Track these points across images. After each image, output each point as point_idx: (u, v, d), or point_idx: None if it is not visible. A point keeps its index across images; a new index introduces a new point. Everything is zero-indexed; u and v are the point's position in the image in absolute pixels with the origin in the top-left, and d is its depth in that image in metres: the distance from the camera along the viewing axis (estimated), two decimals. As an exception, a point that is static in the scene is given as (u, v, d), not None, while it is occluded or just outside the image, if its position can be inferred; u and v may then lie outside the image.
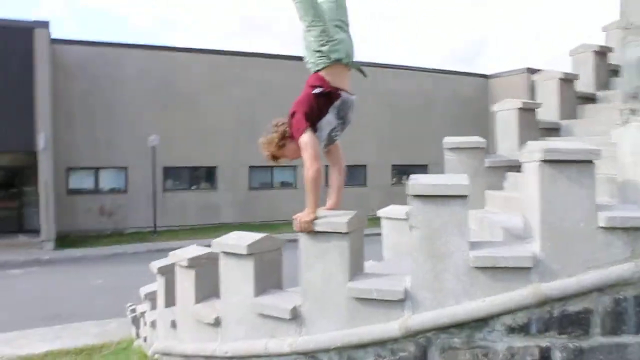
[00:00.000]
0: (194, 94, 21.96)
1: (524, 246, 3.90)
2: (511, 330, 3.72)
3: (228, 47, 27.00)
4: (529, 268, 3.74)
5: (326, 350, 3.91)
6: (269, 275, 4.47)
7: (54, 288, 12.82)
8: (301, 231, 3.94)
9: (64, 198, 19.50)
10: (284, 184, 24.42)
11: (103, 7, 71.37)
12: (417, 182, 3.82)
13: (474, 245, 3.86)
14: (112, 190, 21.25)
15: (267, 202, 23.54)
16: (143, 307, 7.08)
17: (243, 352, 4.27)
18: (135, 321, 7.50)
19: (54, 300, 11.54)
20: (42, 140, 16.90)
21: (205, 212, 22.40)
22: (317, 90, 3.90)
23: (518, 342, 3.66)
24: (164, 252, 17.22)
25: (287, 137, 4.01)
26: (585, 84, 7.88)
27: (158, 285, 5.69)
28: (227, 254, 4.43)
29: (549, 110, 7.49)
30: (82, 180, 20.72)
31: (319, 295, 4.03)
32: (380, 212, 7.01)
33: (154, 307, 6.19)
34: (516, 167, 6.79)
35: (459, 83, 28.25)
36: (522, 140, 7.01)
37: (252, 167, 23.27)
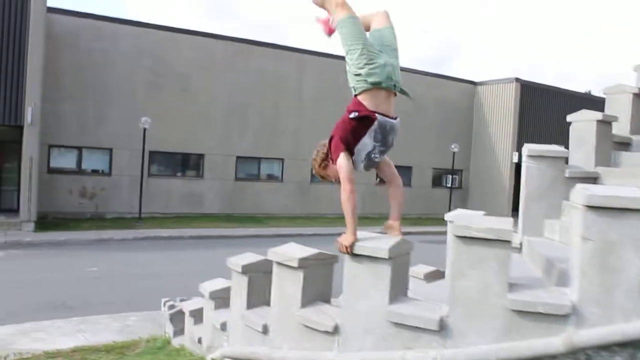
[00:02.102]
0: (186, 76, 21.23)
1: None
2: (679, 353, 3.51)
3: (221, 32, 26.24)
4: None
5: (478, 364, 3.59)
6: (401, 281, 4.09)
7: (45, 274, 12.01)
8: (345, 253, 3.97)
9: (44, 177, 18.43)
10: (271, 177, 23.90)
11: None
12: (594, 193, 3.55)
13: (647, 261, 3.59)
14: (95, 172, 20.27)
15: (252, 194, 23.01)
16: (191, 304, 6.55)
17: (371, 364, 3.88)
18: (175, 318, 6.94)
19: (51, 287, 10.78)
20: (29, 114, 15.88)
21: (189, 200, 21.68)
22: (352, 115, 3.94)
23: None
24: (151, 240, 16.90)
25: (329, 159, 4.13)
26: None
27: (236, 284, 5.19)
28: (356, 256, 4.00)
29: (619, 124, 7.38)
30: (64, 159, 19.69)
31: (472, 305, 3.70)
32: (447, 217, 6.74)
33: (219, 306, 5.68)
34: (592, 179, 6.65)
35: (446, 88, 28.32)
36: (598, 152, 6.90)
37: (239, 158, 22.69)
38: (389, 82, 3.96)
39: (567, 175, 6.39)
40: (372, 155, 4.06)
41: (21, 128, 16.55)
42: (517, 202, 25.93)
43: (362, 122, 3.94)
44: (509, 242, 3.63)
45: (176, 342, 6.89)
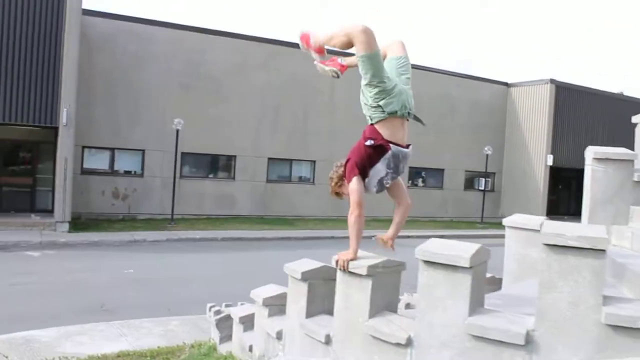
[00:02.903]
0: (219, 78, 21.18)
1: None
2: None
3: (256, 33, 25.99)
4: None
5: (570, 383, 3.35)
6: (479, 292, 3.84)
7: (82, 275, 11.98)
8: (342, 269, 4.22)
9: (78, 178, 18.50)
10: (302, 179, 23.74)
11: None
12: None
13: None
14: (127, 173, 20.34)
15: (284, 195, 22.88)
16: (240, 310, 6.36)
17: (448, 379, 3.65)
18: (222, 324, 6.76)
19: (89, 289, 10.72)
20: (64, 115, 15.94)
21: (221, 202, 21.63)
22: (368, 142, 4.12)
23: None
24: (184, 241, 16.85)
25: (344, 179, 4.31)
26: None
27: (294, 291, 4.96)
28: (432, 264, 3.75)
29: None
30: (97, 160, 19.79)
31: (562, 319, 3.44)
32: (505, 221, 6.49)
33: (273, 313, 5.47)
34: (662, 182, 6.30)
35: (479, 89, 27.82)
36: (668, 154, 6.55)
37: (270, 159, 22.57)
38: (403, 110, 4.11)
39: (635, 179, 6.08)
40: (384, 181, 4.23)
41: (56, 129, 16.65)
42: (551, 206, 25.33)
43: (376, 150, 4.11)
44: (604, 251, 3.37)
45: (223, 348, 6.70)
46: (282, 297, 5.47)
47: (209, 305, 7.23)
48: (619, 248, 5.87)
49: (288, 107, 22.46)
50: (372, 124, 4.16)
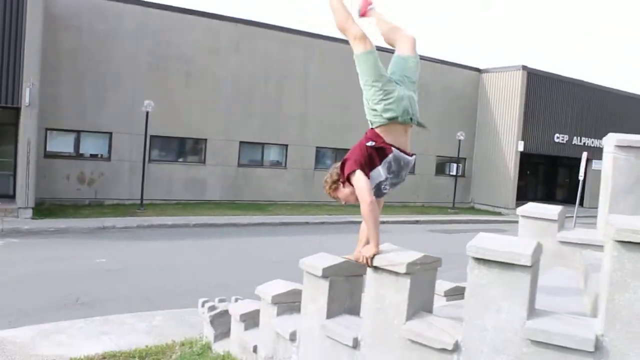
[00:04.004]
0: (190, 59, 20.36)
1: None
2: None
3: (229, 12, 25.17)
4: None
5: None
6: (534, 292, 3.48)
7: (52, 265, 11.26)
8: (366, 265, 3.90)
9: (41, 161, 17.53)
10: (274, 163, 23.18)
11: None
12: None
13: None
14: (94, 157, 19.39)
15: (255, 180, 22.29)
16: (240, 307, 5.89)
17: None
18: (217, 321, 6.29)
19: (60, 281, 10.03)
20: (27, 95, 14.94)
21: (191, 186, 20.91)
22: (370, 143, 3.97)
23: None
24: (156, 228, 16.17)
25: (340, 182, 4.10)
26: None
27: (311, 289, 4.50)
28: (485, 262, 3.37)
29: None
30: (61, 144, 18.78)
31: (636, 322, 3.10)
32: (519, 210, 6.19)
33: (282, 312, 5.02)
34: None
35: (451, 75, 27.69)
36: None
37: (242, 143, 21.92)
38: (405, 116, 3.93)
39: (657, 166, 5.82)
40: (383, 186, 4.04)
41: (18, 110, 15.64)
42: (519, 191, 25.43)
43: (377, 152, 3.94)
44: (684, 247, 3.05)
45: (218, 347, 6.23)
46: (293, 295, 5.04)
47: (201, 300, 6.74)
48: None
49: (261, 90, 21.81)
50: (372, 128, 4.02)
